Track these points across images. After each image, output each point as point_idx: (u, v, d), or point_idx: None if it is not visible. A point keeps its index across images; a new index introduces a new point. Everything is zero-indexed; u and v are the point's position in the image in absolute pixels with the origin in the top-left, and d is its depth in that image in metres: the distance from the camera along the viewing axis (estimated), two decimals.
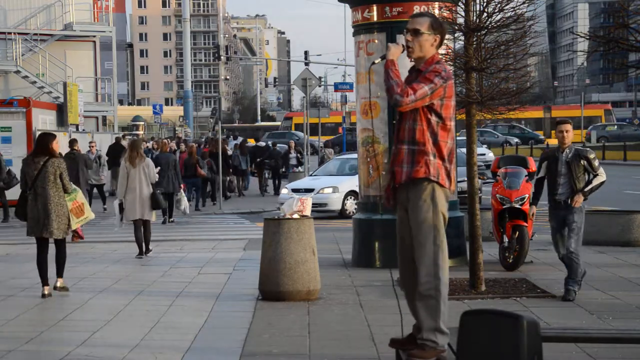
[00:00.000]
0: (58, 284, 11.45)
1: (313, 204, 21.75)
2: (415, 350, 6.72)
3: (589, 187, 10.37)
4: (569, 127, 10.39)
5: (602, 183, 10.46)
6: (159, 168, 17.87)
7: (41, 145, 11.37)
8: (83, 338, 8.77)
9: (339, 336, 8.63)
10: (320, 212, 22.98)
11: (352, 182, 23.92)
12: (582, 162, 10.32)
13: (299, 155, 34.58)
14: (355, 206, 23.70)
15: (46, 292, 11.09)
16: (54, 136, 11.61)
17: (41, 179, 11.12)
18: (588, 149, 10.57)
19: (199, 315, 9.92)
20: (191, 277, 12.69)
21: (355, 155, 27.63)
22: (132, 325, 9.50)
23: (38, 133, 12.62)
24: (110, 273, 13.43)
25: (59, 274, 11.48)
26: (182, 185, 22.61)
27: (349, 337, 8.55)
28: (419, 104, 6.67)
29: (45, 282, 11.16)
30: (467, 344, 5.41)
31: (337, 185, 24.01)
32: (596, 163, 10.37)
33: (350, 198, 23.89)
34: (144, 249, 15.13)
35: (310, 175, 27.75)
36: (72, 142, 20.92)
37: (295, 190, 24.02)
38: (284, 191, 25.18)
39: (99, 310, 10.36)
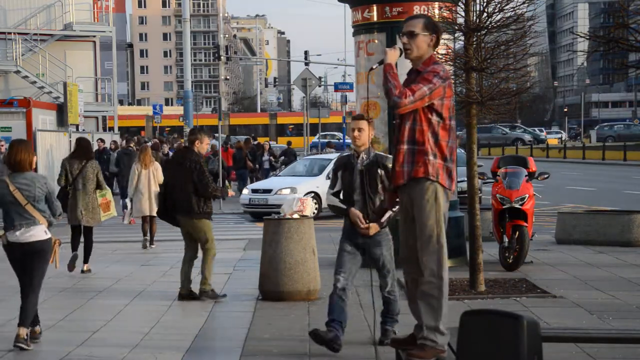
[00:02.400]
0: (84, 268, 13.30)
1: (270, 204, 21.24)
2: (415, 350, 6.73)
3: (386, 216, 7.90)
4: (364, 124, 8.04)
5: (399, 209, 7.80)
6: None
7: (82, 148, 13.55)
8: (83, 338, 8.77)
9: None
10: (278, 213, 21.99)
11: (312, 183, 23.54)
12: (379, 171, 7.98)
13: (272, 158, 33.13)
14: (316, 208, 23.03)
15: (84, 269, 13.25)
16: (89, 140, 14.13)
17: (82, 177, 13.33)
18: (390, 156, 7.64)
19: (199, 315, 9.93)
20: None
21: (324, 156, 27.31)
22: (132, 325, 9.50)
23: (76, 137, 15.55)
24: (110, 273, 13.43)
25: (86, 260, 13.39)
26: None
27: (348, 337, 8.54)
28: (418, 104, 6.67)
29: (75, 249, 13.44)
30: (467, 344, 5.41)
31: (295, 186, 23.32)
32: None
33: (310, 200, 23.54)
34: (148, 240, 16.91)
35: (275, 175, 27.66)
36: (128, 141, 25.24)
37: (254, 191, 23.91)
38: (245, 192, 25.02)
39: (99, 310, 10.36)
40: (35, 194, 8.33)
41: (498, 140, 64.64)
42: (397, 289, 8.26)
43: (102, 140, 30.09)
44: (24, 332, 8.38)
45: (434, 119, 6.74)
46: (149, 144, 27.17)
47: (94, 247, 13.86)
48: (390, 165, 7.58)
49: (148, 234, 17.00)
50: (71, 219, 13.45)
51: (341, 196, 8.18)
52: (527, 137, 68.54)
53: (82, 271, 13.25)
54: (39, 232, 8.34)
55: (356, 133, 8.03)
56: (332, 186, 8.24)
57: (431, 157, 6.72)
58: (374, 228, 7.95)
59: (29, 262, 8.39)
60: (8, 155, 8.46)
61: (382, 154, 8.18)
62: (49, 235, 8.42)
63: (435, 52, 6.98)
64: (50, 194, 8.51)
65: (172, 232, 20.50)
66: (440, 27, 7.05)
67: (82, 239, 13.60)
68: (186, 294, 10.96)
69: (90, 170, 13.38)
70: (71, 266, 13.09)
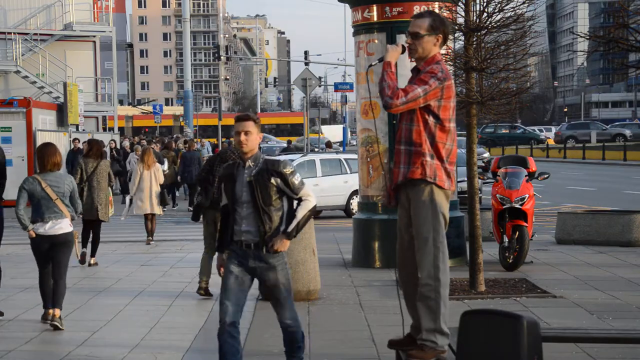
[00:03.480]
0: (92, 261, 14.25)
1: None
2: (415, 351, 6.73)
3: (295, 222, 6.60)
4: (251, 126, 6.60)
5: (311, 211, 6.68)
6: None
7: (96, 149, 14.74)
8: (83, 338, 8.78)
9: (339, 336, 8.63)
10: None
11: None
12: (272, 180, 6.56)
13: None
14: None
15: (91, 262, 14.23)
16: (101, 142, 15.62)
17: (96, 175, 14.42)
18: (283, 160, 6.77)
19: (199, 315, 9.93)
20: (191, 277, 12.68)
21: (286, 157, 26.90)
22: (132, 325, 9.50)
23: (88, 138, 17.45)
24: (110, 273, 13.44)
25: (93, 254, 14.35)
26: None
27: (349, 337, 8.55)
28: (411, 105, 6.63)
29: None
30: (467, 344, 5.41)
31: None
32: (296, 180, 6.60)
33: None
34: (148, 237, 17.92)
35: None
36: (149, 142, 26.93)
37: None
38: None
39: (99, 310, 10.36)
40: (63, 191, 9.47)
41: (598, 136, 63.33)
42: (298, 317, 6.92)
43: (78, 140, 29.02)
44: (58, 312, 9.32)
45: (431, 120, 6.69)
46: (147, 144, 27.29)
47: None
48: (286, 171, 6.55)
49: (151, 232, 17.97)
50: (86, 214, 14.14)
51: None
52: (628, 132, 67.53)
53: (89, 264, 14.14)
54: (65, 225, 9.44)
55: (242, 137, 6.56)
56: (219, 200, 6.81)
57: (428, 158, 6.69)
58: (283, 243, 6.56)
59: (57, 252, 9.44)
60: (42, 156, 9.57)
61: (272, 158, 6.78)
62: (72, 228, 9.54)
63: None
64: (74, 191, 9.63)
65: (171, 232, 20.53)
66: (447, 24, 6.91)
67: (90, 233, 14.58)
68: (207, 288, 11.12)
69: (103, 169, 14.54)
70: (82, 260, 14.05)
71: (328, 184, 23.61)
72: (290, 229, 6.58)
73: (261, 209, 6.53)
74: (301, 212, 6.61)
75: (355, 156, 26.32)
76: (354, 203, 23.68)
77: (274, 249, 6.52)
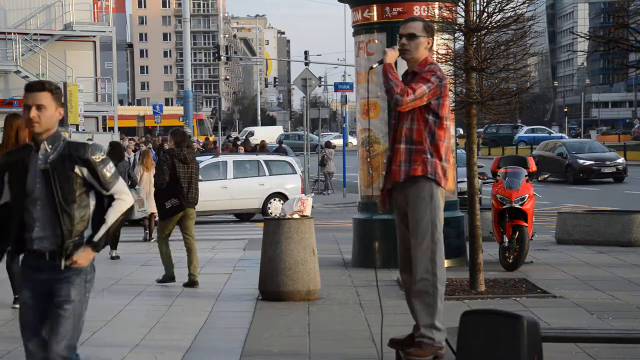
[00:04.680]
0: (113, 254, 15.21)
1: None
2: (412, 349, 6.75)
3: (104, 230, 5.17)
4: (46, 98, 5.09)
5: (126, 214, 5.24)
6: None
7: (118, 151, 15.91)
8: (83, 338, 8.75)
9: (339, 336, 8.63)
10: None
11: None
12: (77, 170, 5.12)
13: None
14: None
15: (113, 255, 15.18)
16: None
17: None
18: (92, 144, 5.27)
19: (199, 315, 9.93)
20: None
21: (201, 157, 25.89)
22: (132, 325, 9.50)
23: (110, 141, 18.55)
24: (110, 273, 13.43)
25: (114, 247, 15.33)
26: None
27: (349, 337, 8.55)
28: (418, 103, 6.78)
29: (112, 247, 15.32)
30: (467, 344, 5.41)
31: None
32: (108, 172, 5.17)
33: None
34: (149, 235, 18.74)
35: None
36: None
37: None
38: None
39: (99, 310, 10.36)
40: None
41: None
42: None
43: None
44: None
45: (431, 118, 6.84)
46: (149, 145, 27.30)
47: None
48: (95, 158, 5.11)
49: (149, 230, 18.80)
50: None
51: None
52: None
53: (112, 257, 15.05)
54: None
55: (33, 112, 5.06)
56: None
57: (429, 156, 6.81)
58: (87, 255, 5.15)
59: None
60: None
61: (77, 141, 5.24)
62: None
63: (435, 51, 7.05)
64: None
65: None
66: (434, 30, 7.19)
67: None
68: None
69: (122, 170, 15.32)
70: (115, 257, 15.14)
71: (239, 187, 22.92)
72: (97, 238, 5.13)
73: (60, 206, 5.08)
74: (112, 216, 5.16)
75: (276, 157, 25.76)
76: (273, 206, 22.80)
77: (74, 261, 5.11)
